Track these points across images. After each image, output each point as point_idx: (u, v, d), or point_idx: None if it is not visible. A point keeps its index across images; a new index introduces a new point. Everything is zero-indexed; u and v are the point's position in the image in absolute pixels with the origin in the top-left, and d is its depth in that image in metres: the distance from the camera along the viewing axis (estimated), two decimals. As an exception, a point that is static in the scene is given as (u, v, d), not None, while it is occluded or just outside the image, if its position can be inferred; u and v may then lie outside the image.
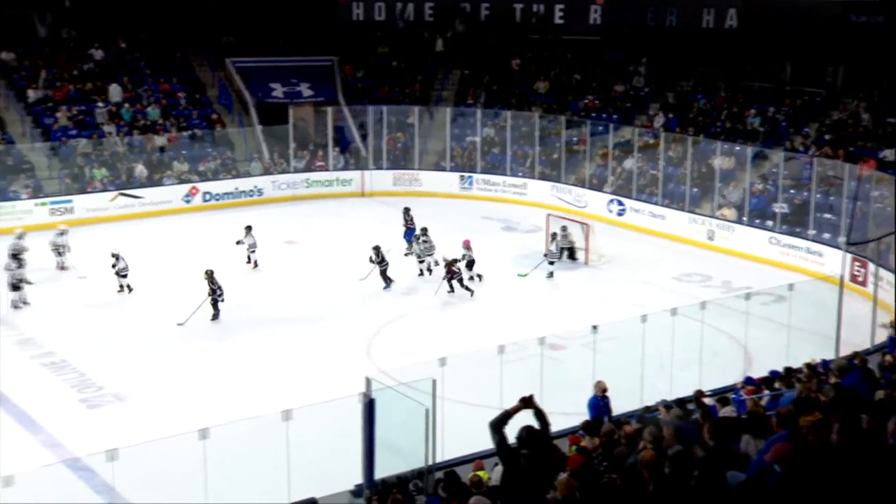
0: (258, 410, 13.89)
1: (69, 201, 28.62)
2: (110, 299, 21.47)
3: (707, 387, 13.43)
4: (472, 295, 21.76)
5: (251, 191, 31.74)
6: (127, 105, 32.45)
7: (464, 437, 12.04)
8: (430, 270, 23.18)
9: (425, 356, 14.63)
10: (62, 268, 23.43)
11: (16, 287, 20.88)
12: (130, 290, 21.79)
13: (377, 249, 22.29)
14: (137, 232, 26.54)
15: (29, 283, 21.25)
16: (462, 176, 32.88)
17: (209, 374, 17.23)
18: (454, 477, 10.24)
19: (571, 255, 24.75)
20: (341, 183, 33.07)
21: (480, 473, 10.17)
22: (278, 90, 34.75)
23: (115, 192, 29.45)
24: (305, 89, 34.97)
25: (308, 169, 33.14)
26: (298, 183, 32.56)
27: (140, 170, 30.61)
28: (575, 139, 31.91)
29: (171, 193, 30.35)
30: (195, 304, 19.79)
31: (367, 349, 18.54)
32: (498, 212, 30.31)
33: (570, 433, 11.72)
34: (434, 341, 18.25)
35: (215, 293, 20.10)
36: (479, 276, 22.80)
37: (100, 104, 32.06)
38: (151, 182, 30.60)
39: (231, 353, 18.44)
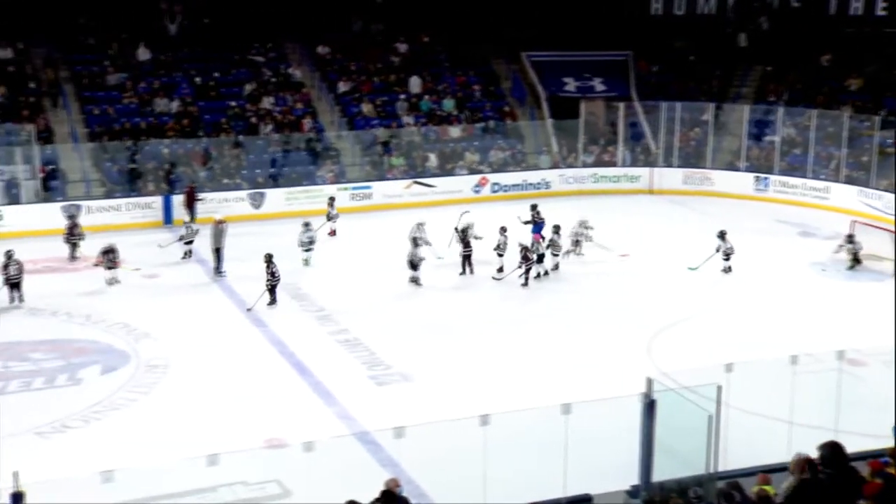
0: (537, 401, 14.01)
1: (368, 187, 30.26)
2: (400, 281, 22.40)
3: None
4: (524, 284, 21.76)
5: (539, 183, 32.07)
6: (426, 97, 33.84)
7: (749, 447, 11.48)
8: (529, 267, 22.24)
9: (710, 361, 14.14)
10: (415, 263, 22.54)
11: (414, 266, 21.78)
12: (556, 267, 22.74)
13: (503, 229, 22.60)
14: (429, 219, 27.51)
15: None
16: (757, 177, 31.42)
17: (492, 360, 17.54)
18: (738, 488, 9.75)
19: (856, 261, 23.02)
20: (629, 179, 32.65)
21: (767, 488, 9.60)
22: (571, 84, 34.85)
23: (410, 181, 30.78)
24: (598, 84, 34.84)
25: (597, 164, 32.99)
26: (586, 177, 32.51)
27: (433, 159, 31.82)
28: (889, 140, 29.50)
29: (462, 183, 31.27)
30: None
31: (648, 349, 18.14)
32: (795, 216, 28.69)
33: (869, 457, 10.81)
34: (719, 346, 17.53)
35: (273, 278, 20.37)
36: (547, 272, 22.45)
37: (401, 96, 33.65)
38: (443, 172, 31.71)
39: (516, 341, 18.67)
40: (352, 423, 14.86)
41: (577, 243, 24.14)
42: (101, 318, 19.54)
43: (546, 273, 22.64)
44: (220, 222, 23.16)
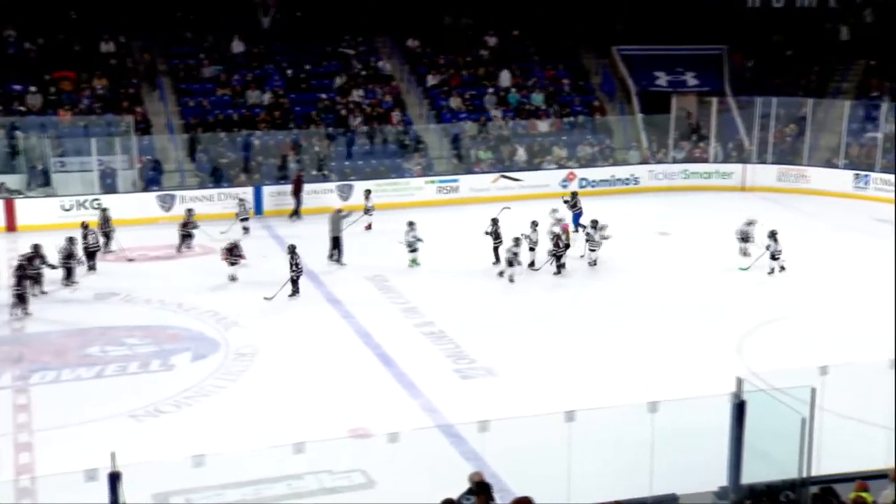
0: (623, 398, 13.82)
1: (455, 180, 30.28)
2: (487, 276, 22.38)
3: None
4: (533, 268, 22.18)
5: (627, 179, 31.68)
6: (514, 90, 33.70)
7: (844, 453, 11.13)
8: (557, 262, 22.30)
9: (803, 363, 13.75)
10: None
11: (509, 263, 21.61)
12: (594, 262, 22.55)
13: (495, 221, 22.72)
14: (516, 213, 27.41)
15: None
16: (857, 174, 30.47)
17: (577, 356, 17.37)
18: (833, 494, 9.46)
19: None
20: (721, 176, 32.02)
21: (864, 495, 9.30)
22: (662, 79, 34.35)
23: (497, 174, 30.70)
24: (691, 78, 34.26)
25: (687, 160, 32.43)
26: (676, 174, 31.99)
27: (521, 153, 31.68)
28: None
29: (549, 178, 31.06)
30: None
31: (738, 348, 17.75)
32: (895, 214, 27.74)
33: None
34: (813, 348, 17.04)
35: (295, 269, 20.33)
36: (564, 266, 22.28)
37: (490, 90, 33.57)
38: (531, 166, 31.55)
39: (602, 336, 18.49)
40: (436, 415, 14.88)
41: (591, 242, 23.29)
42: (192, 307, 19.96)
43: (563, 266, 22.38)
44: (340, 211, 23.78)
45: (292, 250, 20.63)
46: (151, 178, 28.36)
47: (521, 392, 15.72)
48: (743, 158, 32.42)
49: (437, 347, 17.91)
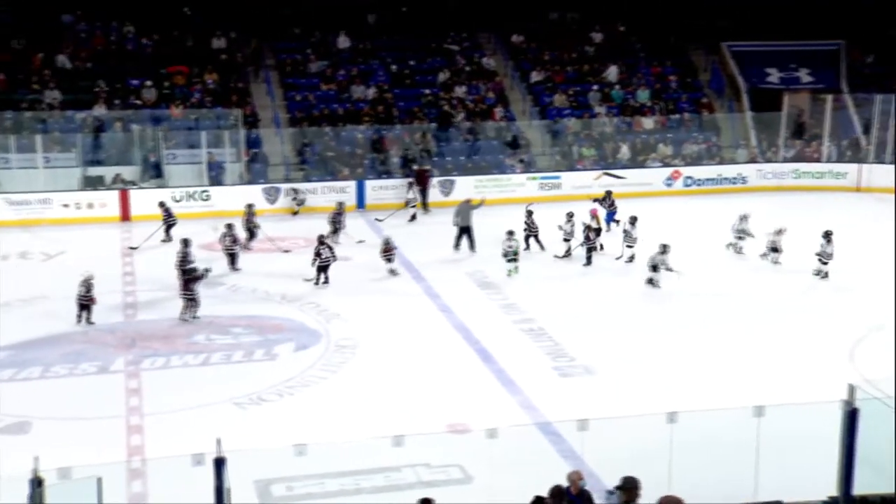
0: (726, 401, 13.48)
1: (557, 177, 30.05)
2: (589, 273, 22.18)
3: None
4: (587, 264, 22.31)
5: (734, 178, 30.98)
6: (618, 87, 33.27)
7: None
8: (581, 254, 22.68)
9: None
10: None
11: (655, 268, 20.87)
12: (632, 259, 22.49)
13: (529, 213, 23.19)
14: (619, 211, 27.05)
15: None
16: (985, 175, 29.14)
17: (679, 357, 17.03)
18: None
19: None
20: (834, 176, 31.03)
21: (984, 512, 8.85)
22: (774, 75, 33.48)
23: (600, 172, 30.36)
24: (804, 75, 33.31)
25: (798, 159, 31.51)
26: (786, 173, 31.14)
27: (624, 151, 31.26)
28: None
29: (653, 176, 30.60)
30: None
31: (850, 355, 17.13)
32: None
33: None
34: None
35: (318, 258, 20.63)
36: (596, 249, 22.76)
37: (594, 86, 33.22)
38: (634, 164, 31.10)
39: (704, 337, 18.09)
40: (534, 412, 14.78)
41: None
42: (295, 298, 20.30)
43: (590, 261, 22.52)
44: (469, 201, 24.18)
45: (320, 240, 21.03)
46: (256, 170, 29.00)
47: (619, 391, 15.50)
48: (859, 158, 31.34)
49: (536, 344, 17.80)
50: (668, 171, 30.70)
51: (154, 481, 12.15)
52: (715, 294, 20.68)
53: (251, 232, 24.08)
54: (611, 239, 24.19)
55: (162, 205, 25.01)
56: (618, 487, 10.01)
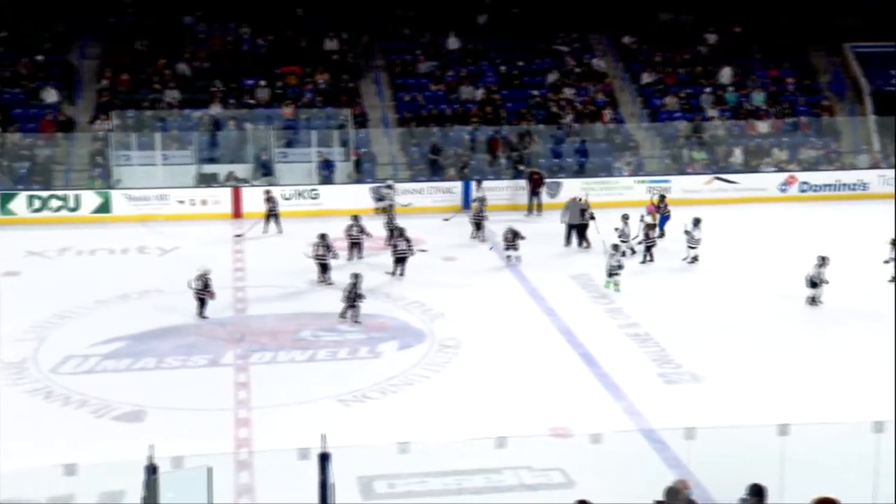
0: (842, 414, 13.01)
1: (667, 181, 29.47)
2: (697, 279, 21.71)
3: None
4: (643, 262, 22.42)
5: (854, 184, 29.89)
6: (732, 89, 32.49)
7: None
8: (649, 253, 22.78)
9: None
10: None
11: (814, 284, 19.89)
12: (695, 260, 22.38)
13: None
14: (730, 217, 26.45)
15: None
16: None
17: (790, 367, 16.50)
18: None
19: None
20: (963, 183, 29.58)
21: None
22: (900, 77, 32.17)
23: (711, 176, 29.67)
24: (932, 77, 31.90)
25: (924, 165, 30.20)
26: (910, 179, 29.83)
27: (737, 155, 30.51)
28: None
29: (767, 181, 29.76)
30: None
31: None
32: None
33: None
34: None
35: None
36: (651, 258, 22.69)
37: (707, 89, 32.52)
38: (748, 168, 30.31)
39: (818, 347, 17.51)
40: (639, 419, 14.55)
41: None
42: (399, 297, 20.43)
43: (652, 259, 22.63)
44: (578, 199, 24.35)
45: (322, 238, 21.01)
46: (364, 169, 29.30)
47: (727, 400, 15.12)
48: None
49: (641, 350, 17.51)
50: (783, 176, 29.80)
51: (260, 473, 12.40)
52: (832, 304, 19.87)
53: (391, 231, 23.39)
54: (663, 244, 23.74)
55: (267, 192, 25.77)
56: (749, 494, 9.78)
